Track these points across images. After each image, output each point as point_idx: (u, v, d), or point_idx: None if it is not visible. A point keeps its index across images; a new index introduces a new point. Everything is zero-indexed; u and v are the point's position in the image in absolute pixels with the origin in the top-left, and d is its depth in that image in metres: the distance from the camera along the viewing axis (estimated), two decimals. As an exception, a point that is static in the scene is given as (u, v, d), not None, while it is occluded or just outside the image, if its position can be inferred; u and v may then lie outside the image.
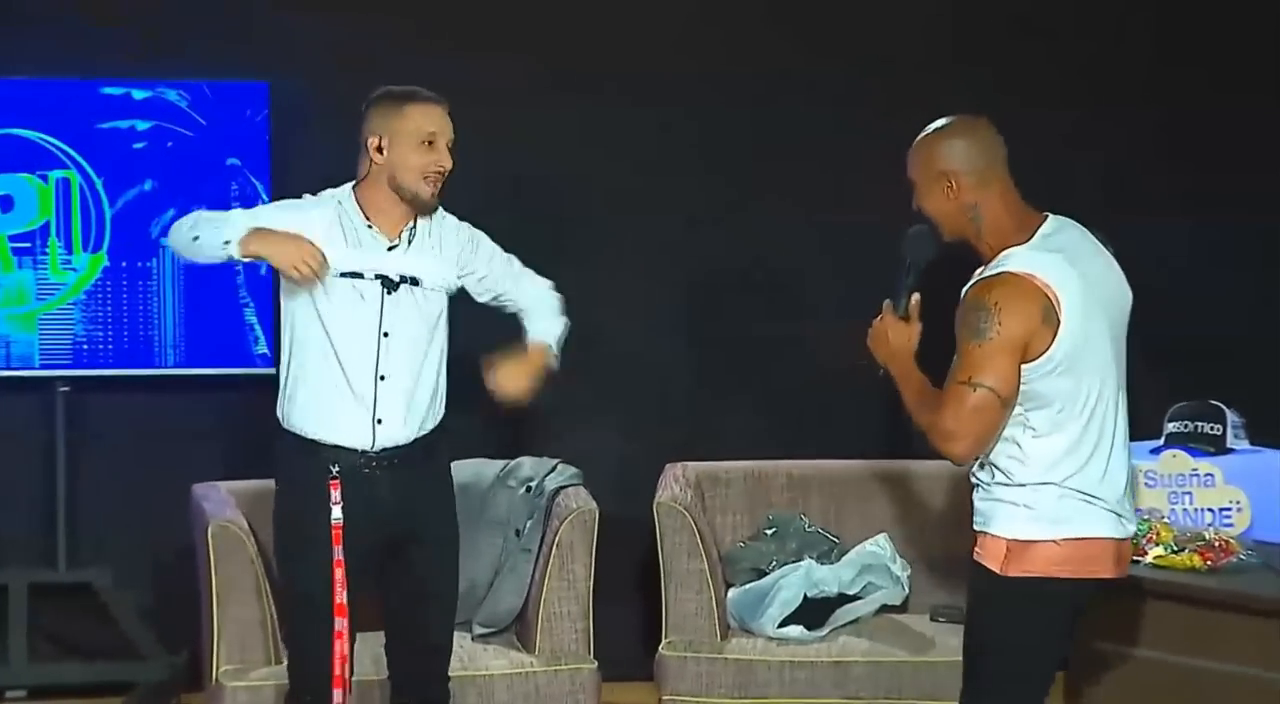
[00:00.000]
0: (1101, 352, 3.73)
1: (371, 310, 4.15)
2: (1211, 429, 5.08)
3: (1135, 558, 4.52)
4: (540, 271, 4.46)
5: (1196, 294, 5.77)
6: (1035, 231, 3.76)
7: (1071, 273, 3.69)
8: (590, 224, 5.62)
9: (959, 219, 3.77)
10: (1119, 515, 3.77)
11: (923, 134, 3.81)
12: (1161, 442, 5.11)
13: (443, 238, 4.25)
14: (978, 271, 3.75)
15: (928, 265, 3.82)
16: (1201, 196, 5.78)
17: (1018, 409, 3.69)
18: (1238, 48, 5.82)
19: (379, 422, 4.16)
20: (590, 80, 5.58)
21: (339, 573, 4.12)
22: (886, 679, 4.94)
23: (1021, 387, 3.66)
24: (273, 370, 4.48)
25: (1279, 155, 5.78)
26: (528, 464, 5.25)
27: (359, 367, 4.14)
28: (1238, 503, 4.96)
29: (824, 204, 5.66)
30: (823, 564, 5.18)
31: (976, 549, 3.80)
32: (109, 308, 5.27)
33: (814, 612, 5.03)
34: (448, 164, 4.18)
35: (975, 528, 3.81)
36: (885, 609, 5.15)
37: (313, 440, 4.16)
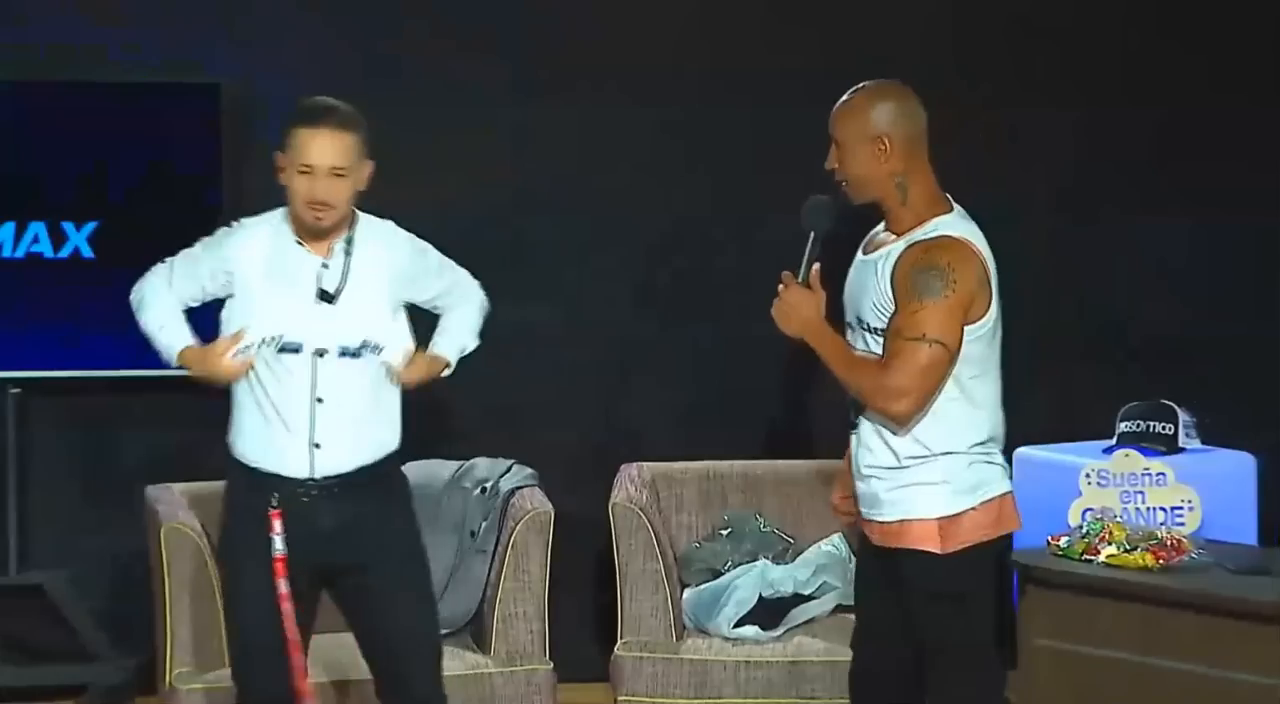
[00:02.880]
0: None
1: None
2: (1163, 428, 5.12)
3: (1088, 557, 4.55)
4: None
5: (1198, 294, 5.77)
6: (951, 204, 3.85)
7: (985, 243, 3.83)
8: (552, 224, 5.62)
9: (884, 183, 3.81)
10: (1005, 469, 3.89)
11: (855, 94, 3.85)
12: (1114, 441, 5.15)
13: (383, 251, 4.10)
14: (898, 237, 3.79)
15: (828, 235, 3.85)
16: (1201, 196, 5.76)
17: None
18: (1238, 47, 5.81)
19: (316, 446, 4.04)
20: (575, 80, 5.57)
21: (286, 607, 4.01)
22: (843, 679, 4.86)
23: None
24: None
25: (1275, 156, 5.79)
26: (482, 465, 5.25)
27: (292, 389, 4.02)
28: (1189, 502, 5.00)
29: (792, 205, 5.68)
30: (778, 564, 5.19)
31: (897, 539, 3.83)
32: (62, 309, 5.23)
33: (769, 612, 5.04)
34: (321, 196, 3.94)
35: (885, 518, 3.84)
36: (840, 609, 5.15)
37: (254, 469, 4.07)
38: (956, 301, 3.73)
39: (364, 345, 4.04)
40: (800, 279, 3.82)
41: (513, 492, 5.13)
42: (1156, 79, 5.77)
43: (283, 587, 4.01)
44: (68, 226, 5.23)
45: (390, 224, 4.18)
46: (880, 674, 4.03)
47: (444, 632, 4.95)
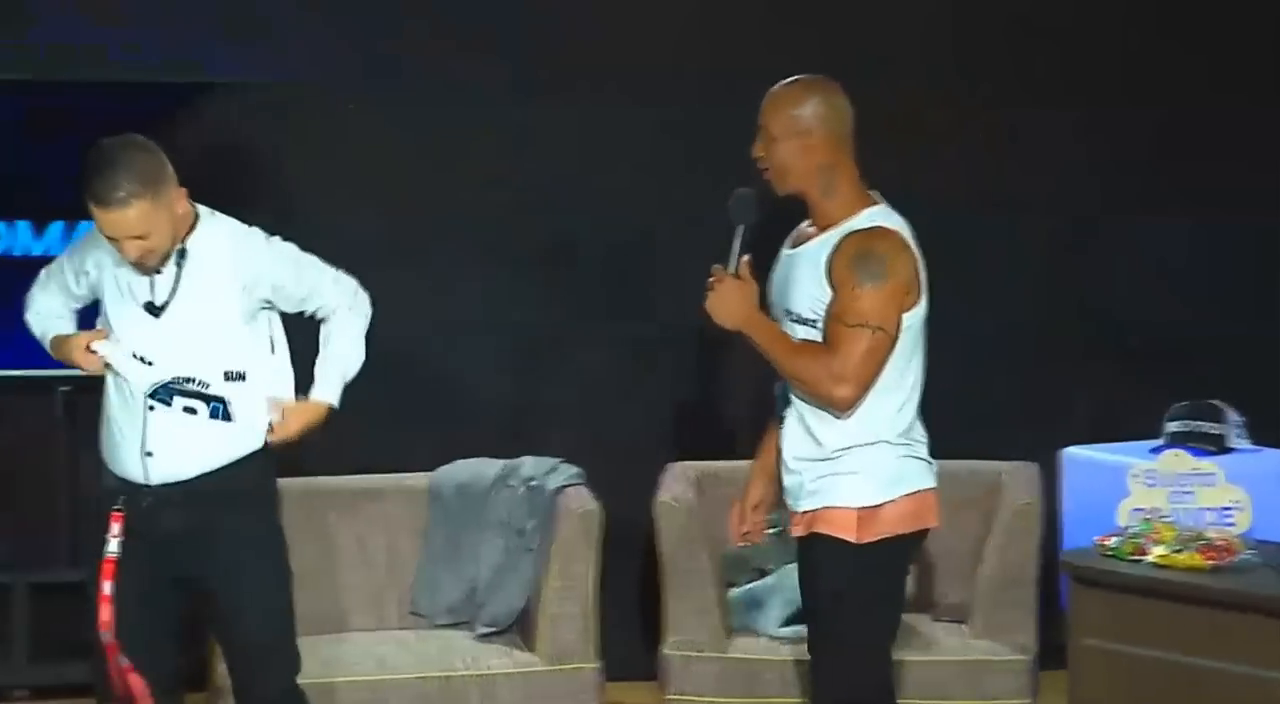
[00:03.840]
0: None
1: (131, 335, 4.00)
2: (1212, 428, 5.09)
3: (1137, 558, 4.54)
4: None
5: (1198, 294, 5.78)
6: (876, 199, 3.88)
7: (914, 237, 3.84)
8: (591, 223, 5.63)
9: (808, 176, 3.83)
10: (930, 465, 3.89)
11: (787, 85, 3.87)
12: (1162, 441, 5.13)
13: (223, 257, 3.99)
14: (825, 232, 3.80)
15: (755, 227, 3.86)
16: (1201, 196, 5.78)
17: None
18: (1237, 47, 5.82)
19: (148, 454, 4.00)
20: (576, 80, 5.57)
21: (104, 612, 3.97)
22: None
23: None
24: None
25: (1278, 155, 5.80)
26: (529, 464, 5.26)
27: (126, 396, 4.00)
28: (1239, 502, 4.98)
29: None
30: (825, 564, 5.17)
31: (814, 525, 3.83)
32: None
33: (816, 611, 5.03)
34: (134, 257, 3.90)
35: (804, 507, 3.85)
36: (887, 609, 5.16)
37: (108, 469, 4.07)
38: (895, 289, 3.76)
39: (214, 371, 3.97)
40: (730, 271, 3.83)
41: (559, 490, 5.13)
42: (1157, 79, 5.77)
43: (106, 588, 3.98)
44: (88, 225, 5.25)
45: (233, 224, 4.08)
46: None
47: (491, 630, 5.02)
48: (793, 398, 3.88)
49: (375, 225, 5.44)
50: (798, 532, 3.90)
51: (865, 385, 3.76)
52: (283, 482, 5.02)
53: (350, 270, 4.24)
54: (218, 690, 4.72)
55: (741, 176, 5.05)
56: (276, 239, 4.11)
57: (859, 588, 3.82)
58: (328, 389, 4.12)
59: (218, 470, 4.01)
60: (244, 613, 4.07)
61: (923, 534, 3.90)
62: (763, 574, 5.18)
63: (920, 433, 3.90)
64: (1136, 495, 5.00)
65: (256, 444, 4.06)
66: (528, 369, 5.63)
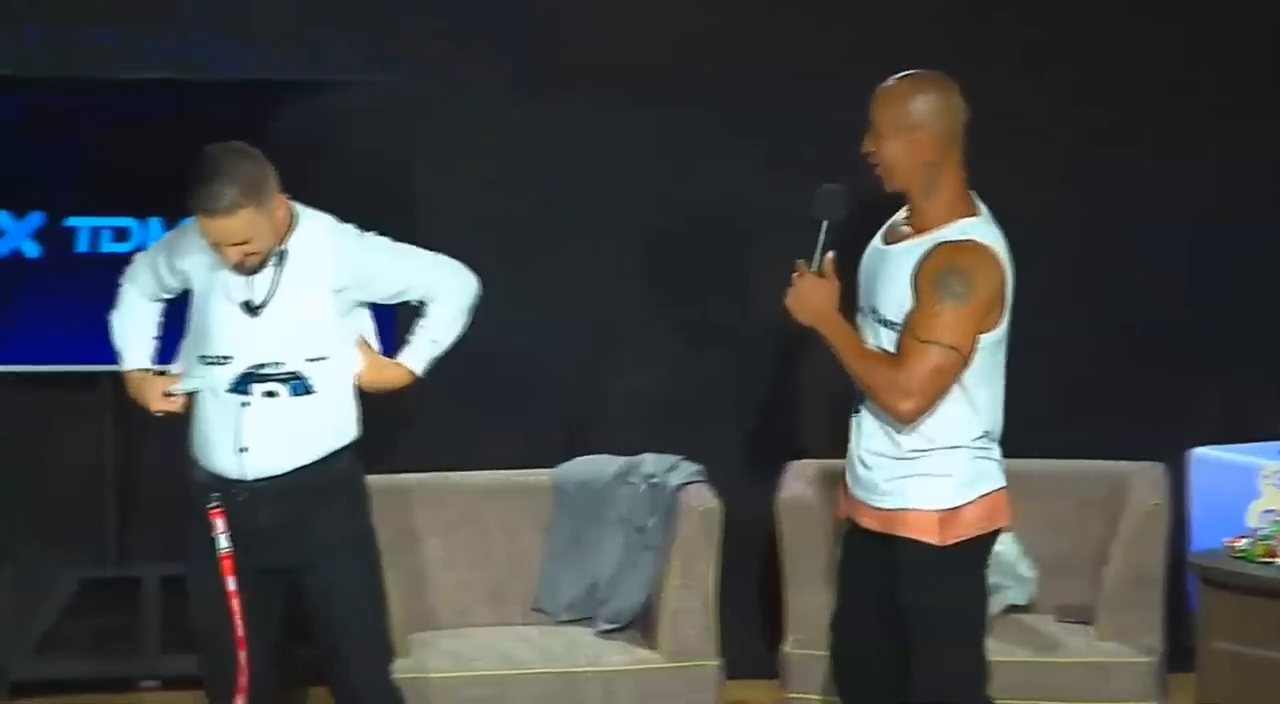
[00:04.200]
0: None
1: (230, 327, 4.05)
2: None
3: (1267, 560, 4.47)
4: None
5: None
6: (978, 207, 3.83)
7: (1007, 251, 3.81)
8: (708, 221, 5.63)
9: (914, 173, 3.78)
10: (1001, 464, 3.90)
11: (899, 79, 3.81)
12: (1290, 441, 5.06)
13: (321, 257, 4.06)
14: (920, 233, 3.77)
15: (840, 224, 3.83)
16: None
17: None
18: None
19: (243, 450, 4.05)
20: (583, 79, 5.57)
21: (235, 605, 4.04)
22: (1012, 679, 4.87)
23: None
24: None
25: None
26: (650, 461, 5.26)
27: (220, 394, 4.05)
28: (1373, 503, 4.89)
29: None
30: (947, 563, 5.14)
31: (894, 527, 3.83)
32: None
33: (939, 611, 5.00)
34: (236, 259, 3.97)
35: (884, 506, 3.85)
36: (1011, 609, 5.12)
37: (200, 465, 4.13)
38: (975, 308, 3.72)
39: (296, 357, 4.03)
40: (814, 268, 3.82)
41: (680, 487, 5.13)
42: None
43: (230, 584, 4.05)
44: (155, 222, 5.31)
45: (331, 223, 4.12)
46: (863, 657, 4.02)
47: (612, 626, 5.03)
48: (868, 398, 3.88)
49: (489, 223, 5.47)
50: (870, 526, 3.90)
51: (930, 402, 3.74)
52: (406, 478, 5.13)
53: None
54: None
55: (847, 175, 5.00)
56: (370, 235, 4.16)
57: (948, 583, 3.83)
58: (415, 357, 4.21)
59: (311, 465, 4.07)
60: (335, 604, 4.12)
61: (996, 533, 3.90)
62: (885, 573, 5.15)
63: (995, 436, 3.88)
64: (1267, 497, 4.92)
65: (347, 439, 4.12)
66: (649, 368, 5.64)
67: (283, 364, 4.03)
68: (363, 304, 4.15)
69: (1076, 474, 5.34)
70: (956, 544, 3.81)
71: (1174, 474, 5.22)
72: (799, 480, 5.22)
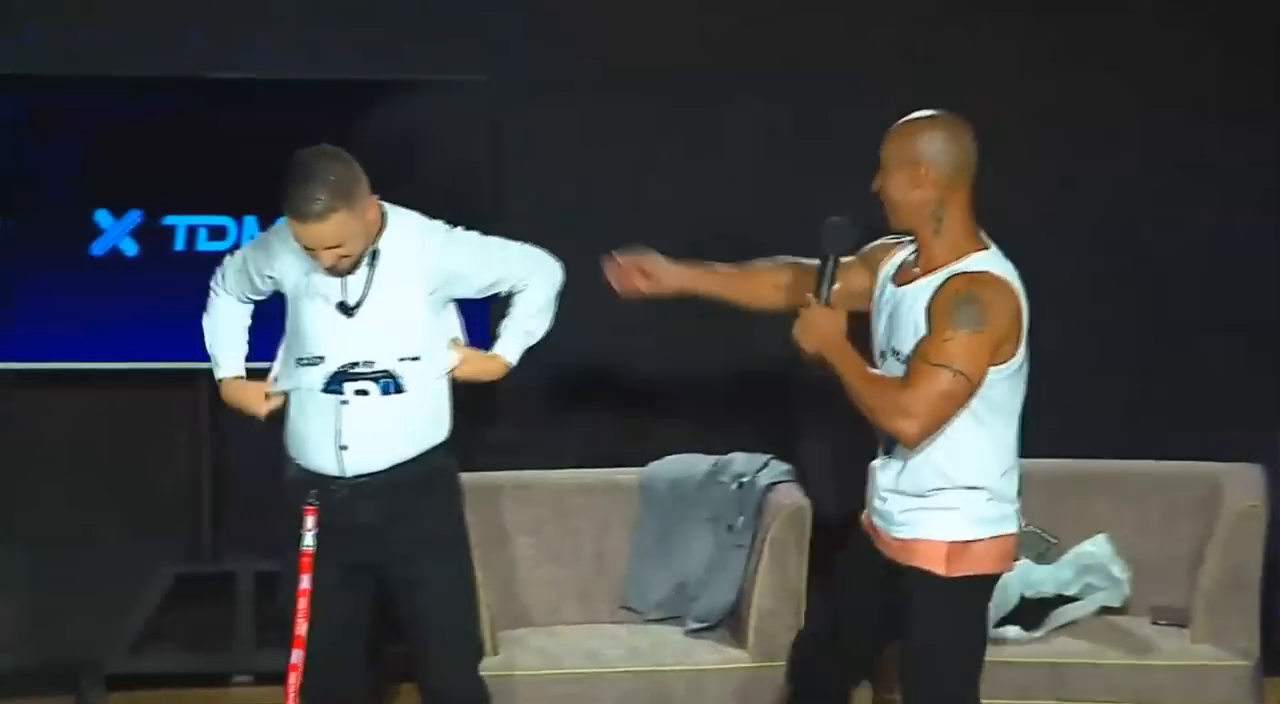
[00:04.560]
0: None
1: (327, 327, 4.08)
2: None
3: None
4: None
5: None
6: (987, 243, 3.82)
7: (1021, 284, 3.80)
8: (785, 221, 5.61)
9: (918, 211, 3.79)
10: (1018, 509, 3.91)
11: (907, 119, 3.83)
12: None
13: (413, 256, 4.07)
14: (931, 273, 3.77)
15: (845, 256, 3.88)
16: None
17: (970, 408, 3.75)
18: None
19: (343, 448, 4.07)
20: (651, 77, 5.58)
21: (301, 603, 4.07)
22: (1105, 682, 4.86)
23: (981, 389, 3.73)
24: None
25: None
26: (739, 460, 5.25)
27: (319, 394, 4.07)
28: None
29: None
30: (1040, 564, 5.10)
31: (904, 556, 3.85)
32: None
33: (1031, 612, 4.97)
34: (329, 263, 3.98)
35: (897, 536, 3.87)
36: (1104, 611, 5.07)
37: (297, 463, 4.15)
38: (988, 337, 3.70)
39: (389, 356, 4.04)
40: (822, 301, 3.85)
41: (770, 487, 5.12)
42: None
43: (304, 582, 4.07)
44: (250, 221, 5.37)
45: (420, 221, 4.13)
46: (833, 662, 4.07)
47: (701, 625, 5.03)
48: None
49: (571, 220, 5.49)
50: (884, 551, 3.92)
51: (933, 426, 3.73)
52: (496, 476, 5.15)
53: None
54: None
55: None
56: (459, 230, 4.18)
57: (950, 624, 3.86)
58: (508, 347, 4.23)
59: (408, 461, 4.10)
60: (426, 601, 4.14)
61: (998, 577, 3.92)
62: (975, 574, 5.12)
63: (1013, 479, 3.87)
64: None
65: (441, 435, 4.15)
66: (738, 368, 5.63)
67: (374, 363, 4.06)
68: (454, 299, 4.17)
69: (1172, 475, 5.28)
70: (963, 578, 3.82)
71: (1271, 475, 5.15)
72: (889, 480, 5.19)
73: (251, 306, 4.32)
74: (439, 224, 4.16)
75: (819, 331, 3.83)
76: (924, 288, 3.78)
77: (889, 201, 3.82)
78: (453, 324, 4.20)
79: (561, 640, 5.00)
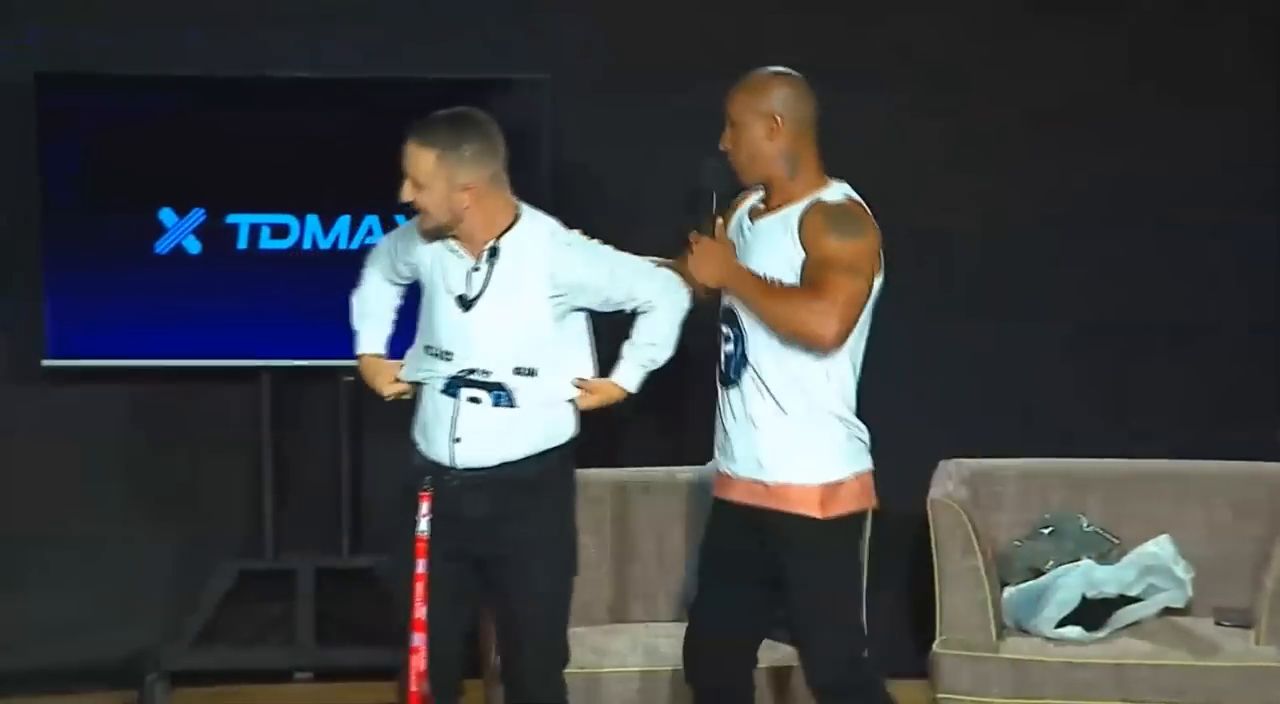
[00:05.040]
0: None
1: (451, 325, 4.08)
2: None
3: None
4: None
5: None
6: (832, 180, 4.03)
7: None
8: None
9: (772, 161, 4.01)
10: (867, 445, 4.09)
11: (751, 78, 4.04)
12: None
13: (533, 258, 4.04)
14: (790, 203, 3.97)
15: (725, 194, 4.04)
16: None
17: None
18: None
19: (456, 440, 4.08)
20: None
21: (419, 587, 4.07)
22: (1169, 683, 4.84)
23: None
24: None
25: None
26: (799, 459, 5.24)
27: (428, 377, 4.10)
28: None
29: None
30: (1102, 564, 5.08)
31: (774, 501, 3.98)
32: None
33: (1093, 613, 4.95)
34: (406, 197, 4.01)
35: (765, 479, 3.99)
36: (1167, 612, 5.04)
37: (417, 449, 4.17)
38: (870, 244, 3.94)
39: (504, 364, 4.04)
40: (706, 233, 4.01)
41: (830, 486, 5.11)
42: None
43: (420, 567, 4.08)
44: (312, 219, 5.40)
45: (553, 227, 4.10)
46: (722, 645, 4.16)
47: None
48: (749, 359, 4.01)
49: (642, 217, 5.50)
50: (745, 499, 4.04)
51: (849, 325, 3.93)
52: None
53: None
54: (494, 677, 4.81)
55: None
56: (594, 242, 4.14)
57: (832, 565, 4.03)
58: (628, 375, 4.19)
59: (520, 460, 4.09)
60: (517, 601, 4.14)
61: (866, 514, 4.06)
62: (1038, 574, 5.10)
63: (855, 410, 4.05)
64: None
65: (558, 440, 4.13)
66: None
67: (490, 373, 4.05)
68: (579, 310, 4.12)
69: (1236, 475, 5.25)
70: (838, 518, 3.99)
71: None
72: (950, 480, 5.18)
73: (399, 289, 4.30)
74: (574, 234, 4.13)
75: (715, 262, 3.99)
76: (784, 217, 3.99)
77: (745, 154, 4.01)
78: (580, 341, 4.14)
79: (621, 638, 5.00)
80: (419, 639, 4.09)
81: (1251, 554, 5.08)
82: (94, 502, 5.62)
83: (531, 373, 4.06)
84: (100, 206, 5.36)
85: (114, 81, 5.36)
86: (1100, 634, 4.93)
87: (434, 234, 4.07)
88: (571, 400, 4.12)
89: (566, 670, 4.29)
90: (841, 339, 3.92)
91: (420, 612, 4.09)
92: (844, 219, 3.93)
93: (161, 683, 5.32)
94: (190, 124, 5.36)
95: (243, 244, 5.40)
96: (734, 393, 4.07)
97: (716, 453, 4.16)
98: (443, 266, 4.09)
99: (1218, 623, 5.07)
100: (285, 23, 5.49)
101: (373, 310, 4.30)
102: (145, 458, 5.64)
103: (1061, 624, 4.92)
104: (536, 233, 4.08)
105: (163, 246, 5.39)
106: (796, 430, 3.99)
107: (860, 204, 4.00)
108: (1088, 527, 5.22)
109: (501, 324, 4.04)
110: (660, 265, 4.18)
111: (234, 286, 5.37)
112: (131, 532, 5.62)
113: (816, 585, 4.03)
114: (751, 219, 4.10)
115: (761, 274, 3.99)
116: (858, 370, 4.07)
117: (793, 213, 3.99)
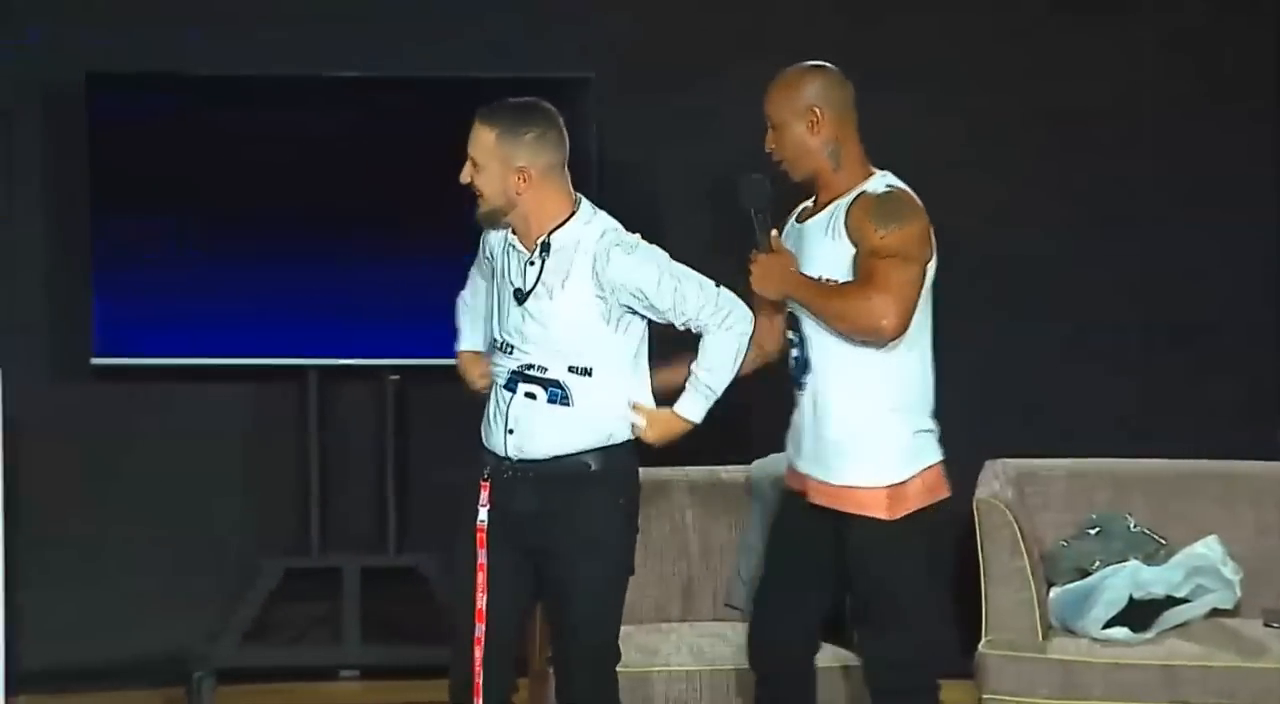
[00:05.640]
0: None
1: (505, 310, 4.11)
2: None
3: None
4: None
5: None
6: (876, 169, 4.04)
7: None
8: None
9: (817, 155, 4.02)
10: (938, 436, 4.08)
11: (785, 75, 4.06)
12: None
13: (583, 255, 4.02)
14: (836, 199, 3.98)
15: (770, 210, 4.04)
16: None
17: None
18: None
19: (509, 432, 4.10)
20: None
21: (480, 577, 4.08)
22: (1218, 684, 4.81)
23: None
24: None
25: None
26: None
27: (496, 371, 4.12)
28: None
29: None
30: (1149, 565, 5.05)
31: (842, 503, 4.00)
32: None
33: (1140, 614, 4.92)
34: (464, 178, 4.03)
35: (831, 482, 4.01)
36: (1215, 613, 5.01)
37: (482, 439, 4.19)
38: (919, 227, 3.94)
39: (559, 362, 4.04)
40: (764, 249, 4.04)
41: (875, 486, 5.10)
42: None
43: (481, 557, 4.09)
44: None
45: (607, 225, 4.07)
46: (788, 631, 4.19)
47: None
48: (812, 363, 4.02)
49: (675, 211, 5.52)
50: (817, 499, 4.06)
51: (907, 314, 3.92)
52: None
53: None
54: (539, 675, 4.82)
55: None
56: (654, 248, 4.08)
57: (900, 565, 4.03)
58: (693, 406, 4.15)
59: (572, 455, 4.08)
60: (568, 599, 4.13)
61: (940, 505, 4.06)
62: (1084, 574, 5.07)
63: (930, 406, 4.05)
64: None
65: (615, 438, 4.11)
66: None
67: (547, 370, 4.07)
68: (637, 317, 4.08)
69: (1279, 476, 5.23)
70: (905, 518, 3.99)
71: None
72: (996, 479, 5.16)
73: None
74: (634, 237, 4.09)
75: (775, 276, 4.02)
76: (831, 211, 4.01)
77: (790, 153, 4.05)
78: (642, 352, 4.12)
79: (665, 637, 5.00)
80: (481, 630, 4.10)
81: (1300, 556, 5.05)
82: (141, 499, 5.65)
83: (587, 372, 4.05)
84: (147, 207, 5.38)
85: (164, 80, 5.40)
86: (1148, 635, 4.90)
87: (490, 220, 4.09)
88: (632, 425, 4.11)
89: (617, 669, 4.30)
90: (901, 328, 3.92)
91: (481, 601, 4.10)
92: (888, 207, 3.94)
93: (208, 680, 5.34)
94: (244, 124, 5.39)
95: (291, 243, 5.43)
96: (801, 395, 4.11)
97: (788, 446, 4.19)
98: (506, 258, 4.12)
99: (1266, 624, 5.04)
100: (347, 22, 5.53)
101: (470, 310, 4.32)
102: (193, 456, 5.67)
103: (1108, 625, 4.90)
104: (589, 232, 4.06)
105: (210, 246, 5.42)
106: (859, 433, 4.01)
107: (904, 190, 4.01)
108: (1135, 527, 5.19)
109: (552, 319, 4.05)
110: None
111: (282, 285, 5.40)
112: (178, 529, 5.65)
113: (882, 587, 4.05)
114: (800, 221, 4.14)
115: (816, 276, 4.01)
116: (927, 361, 4.06)
117: (839, 208, 4.01)
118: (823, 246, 4.02)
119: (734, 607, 5.20)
